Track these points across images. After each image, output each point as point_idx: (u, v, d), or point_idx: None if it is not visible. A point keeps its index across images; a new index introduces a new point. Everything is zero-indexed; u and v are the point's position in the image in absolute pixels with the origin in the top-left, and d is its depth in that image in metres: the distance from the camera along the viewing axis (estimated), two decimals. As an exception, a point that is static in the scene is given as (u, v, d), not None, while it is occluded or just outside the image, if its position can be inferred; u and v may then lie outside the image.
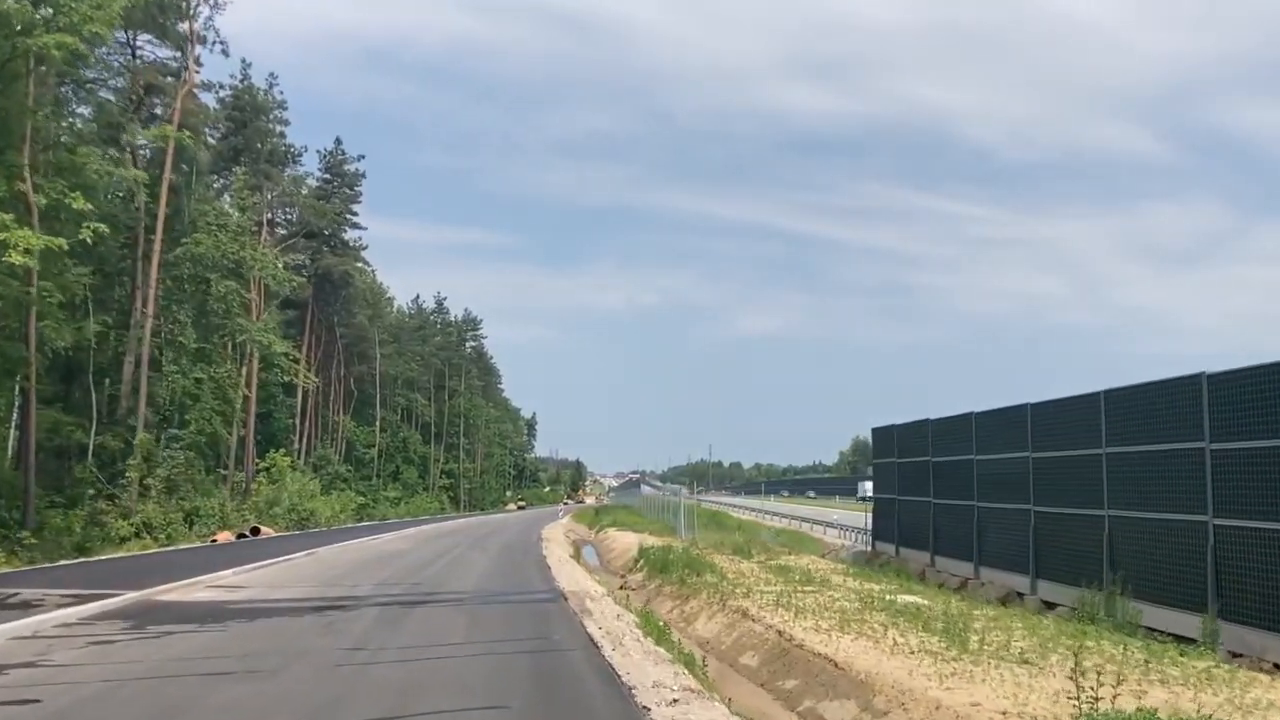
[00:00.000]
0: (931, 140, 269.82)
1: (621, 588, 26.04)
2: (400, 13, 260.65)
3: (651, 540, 35.60)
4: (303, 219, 55.34)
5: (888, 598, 17.02)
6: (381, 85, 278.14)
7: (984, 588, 24.19)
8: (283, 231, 58.37)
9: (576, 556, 32.07)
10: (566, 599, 16.90)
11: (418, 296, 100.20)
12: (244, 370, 44.93)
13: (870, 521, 40.20)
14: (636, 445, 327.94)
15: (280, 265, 43.51)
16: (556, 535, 44.90)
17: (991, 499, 25.00)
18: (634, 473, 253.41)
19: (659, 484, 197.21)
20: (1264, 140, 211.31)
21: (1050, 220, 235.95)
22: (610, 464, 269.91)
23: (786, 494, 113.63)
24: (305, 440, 61.50)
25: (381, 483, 76.14)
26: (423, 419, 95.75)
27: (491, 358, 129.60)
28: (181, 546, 30.57)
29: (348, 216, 61.26)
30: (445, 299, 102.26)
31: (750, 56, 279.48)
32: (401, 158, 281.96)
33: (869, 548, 40.04)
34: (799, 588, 19.50)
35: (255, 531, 34.14)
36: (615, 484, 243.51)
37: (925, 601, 16.74)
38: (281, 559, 24.59)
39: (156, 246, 34.34)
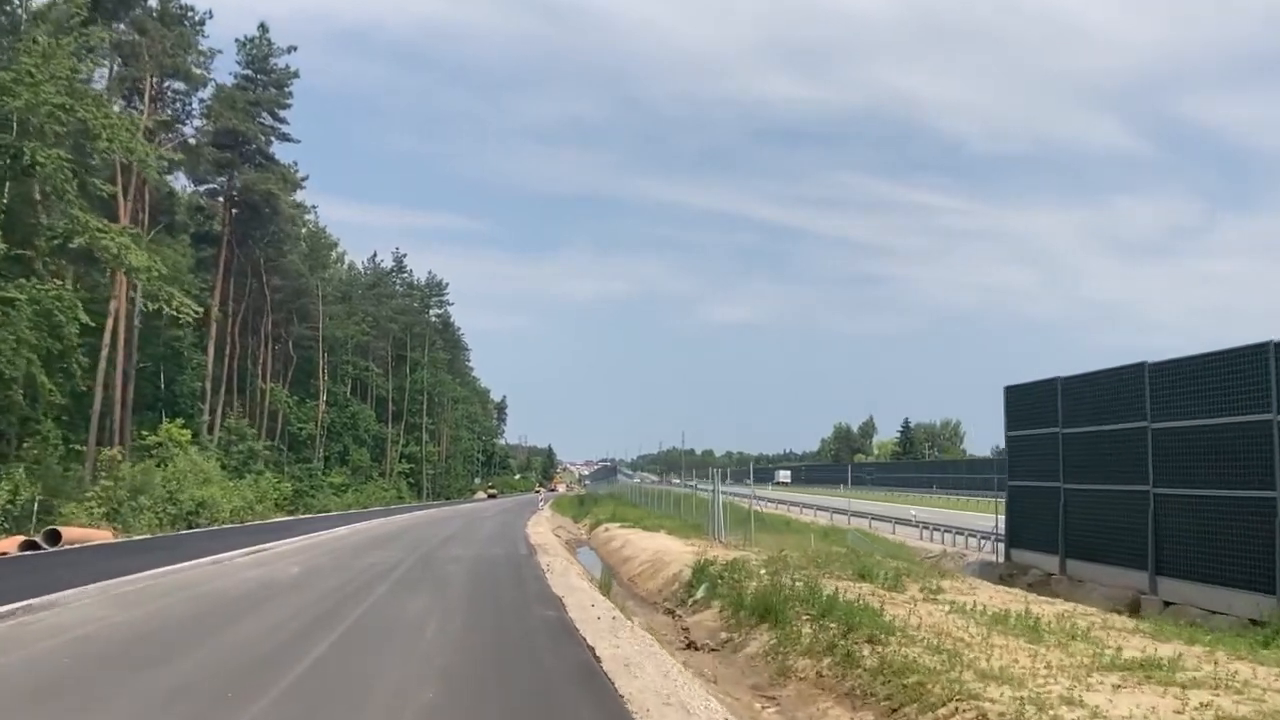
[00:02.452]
0: (903, 130, 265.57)
1: (689, 645, 14.77)
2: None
3: (680, 546, 27.30)
4: (216, 124, 42.11)
5: None
6: (351, 68, 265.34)
7: None
8: (192, 142, 45.23)
9: (607, 588, 19.35)
10: None
11: (374, 254, 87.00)
12: (113, 305, 32.01)
13: (1003, 521, 27.86)
14: (606, 433, 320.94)
15: (147, 146, 30.43)
16: (548, 539, 32.55)
17: None
18: (604, 460, 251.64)
19: (630, 472, 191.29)
20: (1232, 134, 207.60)
21: (1020, 212, 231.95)
22: (579, 452, 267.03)
23: (785, 480, 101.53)
24: (221, 411, 48.48)
25: (324, 466, 63.10)
26: (378, 393, 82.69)
27: (459, 330, 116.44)
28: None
29: (275, 125, 48.20)
30: (405, 255, 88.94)
31: (725, 43, 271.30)
32: (371, 141, 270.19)
33: (998, 557, 27.90)
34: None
35: (54, 538, 21.28)
36: (586, 471, 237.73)
37: None
38: None
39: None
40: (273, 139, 48.70)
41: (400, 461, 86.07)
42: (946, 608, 14.74)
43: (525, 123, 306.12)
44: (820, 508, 49.70)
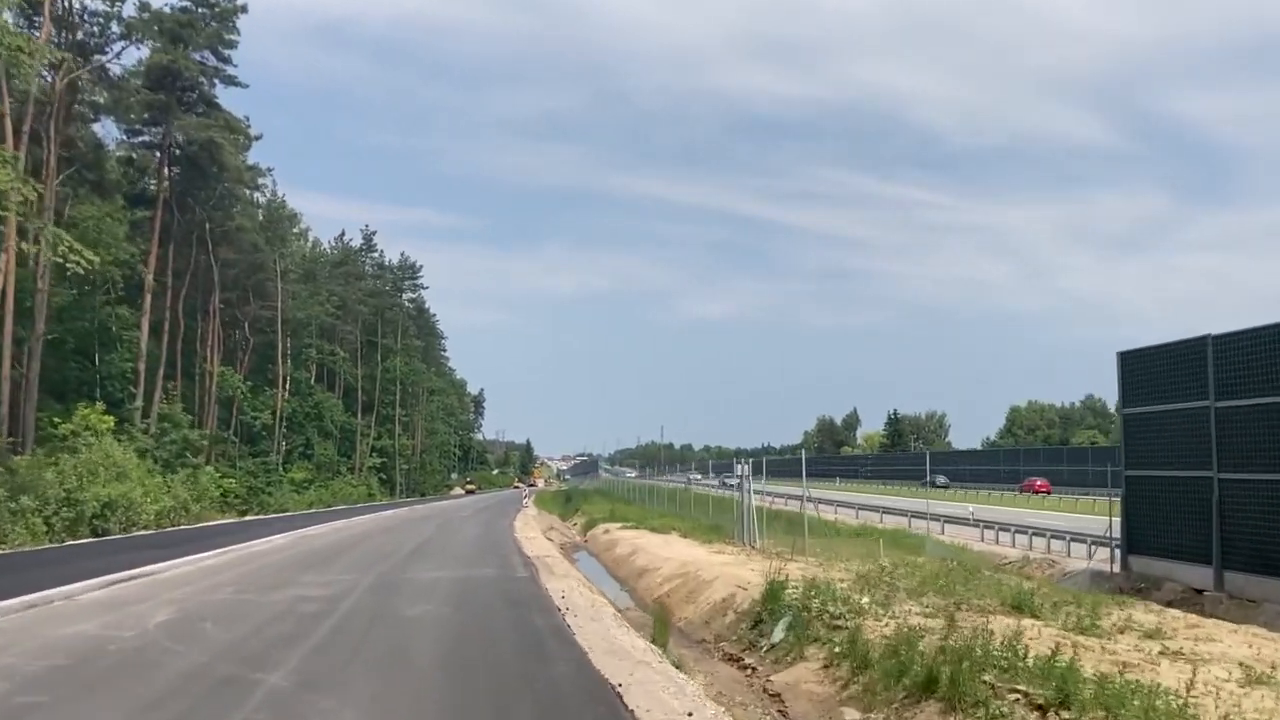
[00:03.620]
0: (882, 125, 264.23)
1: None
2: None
3: (709, 555, 22.96)
4: (137, 41, 35.56)
5: None
6: (329, 62, 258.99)
7: None
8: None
9: (662, 638, 13.07)
10: None
11: (342, 233, 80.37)
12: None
13: (1119, 523, 22.40)
14: (584, 428, 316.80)
15: (17, 36, 24.06)
16: (545, 546, 26.77)
17: None
18: (581, 455, 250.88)
19: (609, 466, 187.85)
20: (1205, 128, 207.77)
21: (997, 206, 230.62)
22: (557, 446, 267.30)
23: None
24: (160, 398, 42.04)
25: (283, 461, 56.73)
26: (347, 382, 76.29)
27: (434, 316, 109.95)
28: None
29: (219, 66, 41.68)
30: (375, 233, 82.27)
31: (705, 37, 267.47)
32: (348, 135, 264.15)
33: (1111, 565, 22.57)
34: None
35: None
36: (564, 466, 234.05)
37: None
38: None
39: None
40: (216, 81, 42.24)
41: (371, 456, 79.68)
42: (1227, 673, 9.00)
43: (504, 117, 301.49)
44: (842, 504, 43.84)
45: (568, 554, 32.24)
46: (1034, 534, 28.09)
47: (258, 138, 50.32)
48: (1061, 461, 65.64)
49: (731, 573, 18.34)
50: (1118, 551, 21.80)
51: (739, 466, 27.39)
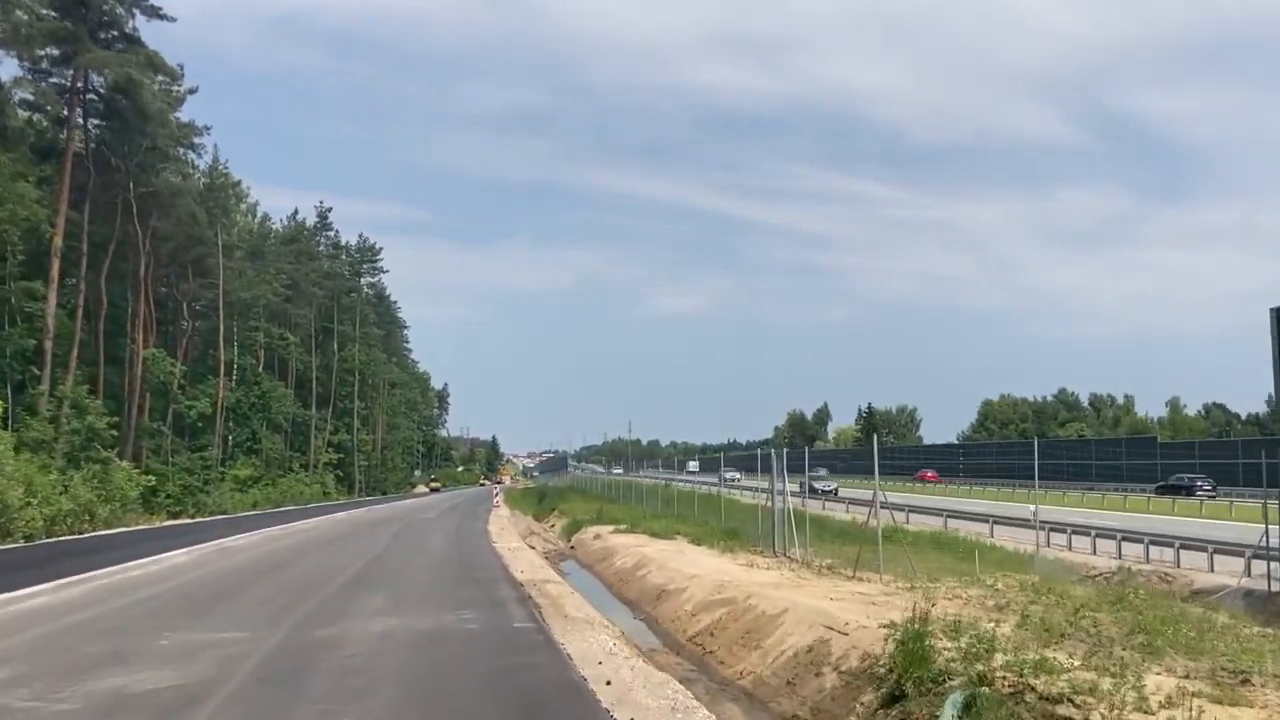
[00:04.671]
0: (847, 121, 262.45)
1: None
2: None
3: (745, 571, 18.32)
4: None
5: None
6: (289, 53, 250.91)
7: None
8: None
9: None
10: None
11: (295, 211, 73.97)
12: None
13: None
14: (550, 424, 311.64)
15: None
16: (538, 566, 21.43)
17: None
18: (548, 452, 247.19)
19: (577, 464, 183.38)
20: (1165, 127, 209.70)
21: (961, 203, 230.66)
22: (523, 443, 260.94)
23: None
24: (73, 383, 35.94)
25: (224, 456, 50.72)
26: (300, 371, 70.20)
27: (395, 303, 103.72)
28: None
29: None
30: (330, 210, 75.92)
31: (671, 32, 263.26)
32: (308, 127, 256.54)
33: (1270, 584, 17.70)
34: None
35: None
36: (530, 463, 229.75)
37: None
38: None
39: None
40: (136, 12, 36.14)
41: (327, 451, 73.61)
42: None
43: (468, 111, 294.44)
44: (856, 502, 38.59)
45: (554, 564, 26.99)
46: (1121, 539, 23.16)
47: (192, 91, 44.31)
48: (1118, 455, 62.05)
49: (802, 602, 13.16)
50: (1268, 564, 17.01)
51: (774, 460, 22.23)
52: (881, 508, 29.20)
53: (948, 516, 31.52)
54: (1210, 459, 55.27)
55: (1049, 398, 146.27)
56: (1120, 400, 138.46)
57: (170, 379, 44.11)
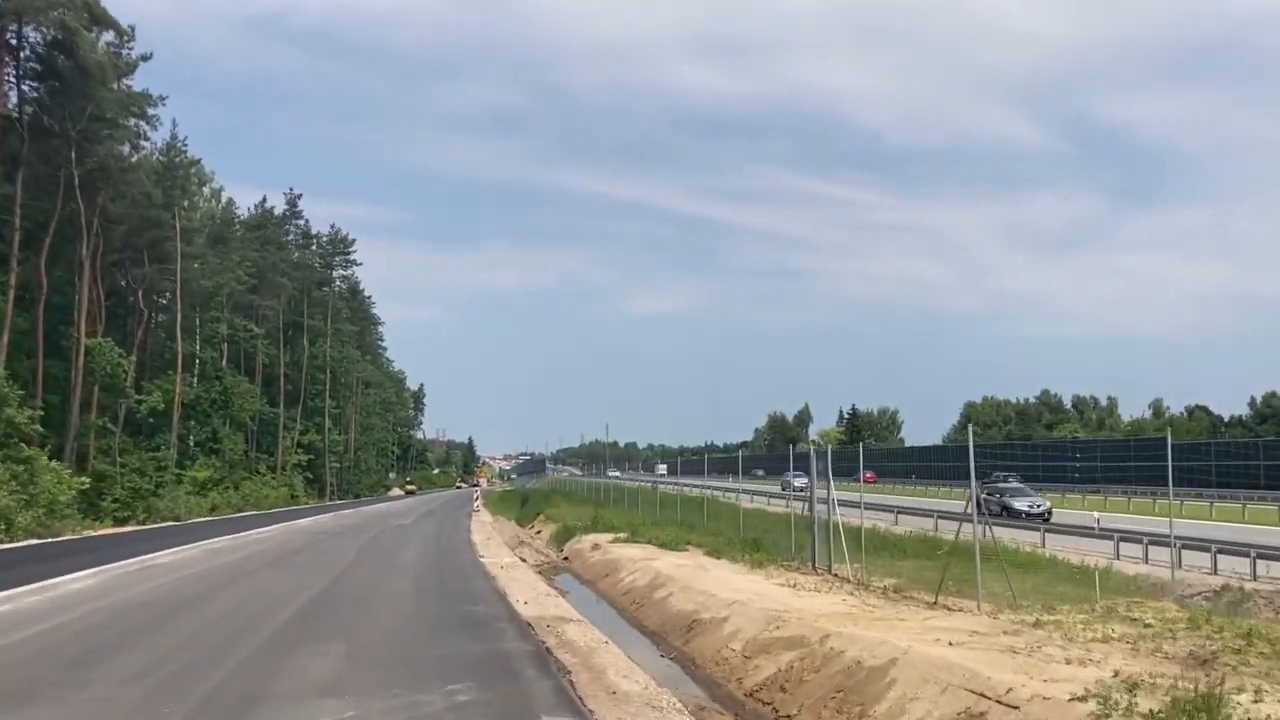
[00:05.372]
0: (824, 124, 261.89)
1: None
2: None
3: (784, 591, 15.58)
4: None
5: None
6: (263, 52, 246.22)
7: None
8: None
9: None
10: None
11: (264, 199, 69.77)
12: None
13: None
14: (526, 426, 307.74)
15: None
16: (544, 595, 17.76)
17: None
18: (524, 454, 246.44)
19: (554, 465, 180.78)
20: (1138, 132, 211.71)
21: (936, 206, 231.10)
22: (499, 445, 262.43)
23: (761, 474, 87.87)
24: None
25: (180, 456, 46.69)
26: (268, 368, 66.15)
27: (369, 298, 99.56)
28: None
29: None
30: (300, 196, 71.78)
31: (648, 33, 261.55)
32: (282, 127, 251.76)
33: None
34: None
35: None
36: (506, 466, 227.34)
37: None
38: None
39: None
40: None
41: (296, 452, 69.52)
42: None
43: (445, 111, 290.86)
44: (872, 506, 35.02)
45: (539, 569, 23.42)
46: (1220, 551, 19.90)
47: (146, 57, 40.42)
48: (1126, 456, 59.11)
49: (913, 649, 9.70)
50: None
51: (814, 460, 18.83)
52: (901, 511, 25.80)
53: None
54: (1230, 460, 52.50)
55: (1031, 399, 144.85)
56: (1104, 402, 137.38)
57: (119, 371, 40.07)
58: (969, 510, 14.41)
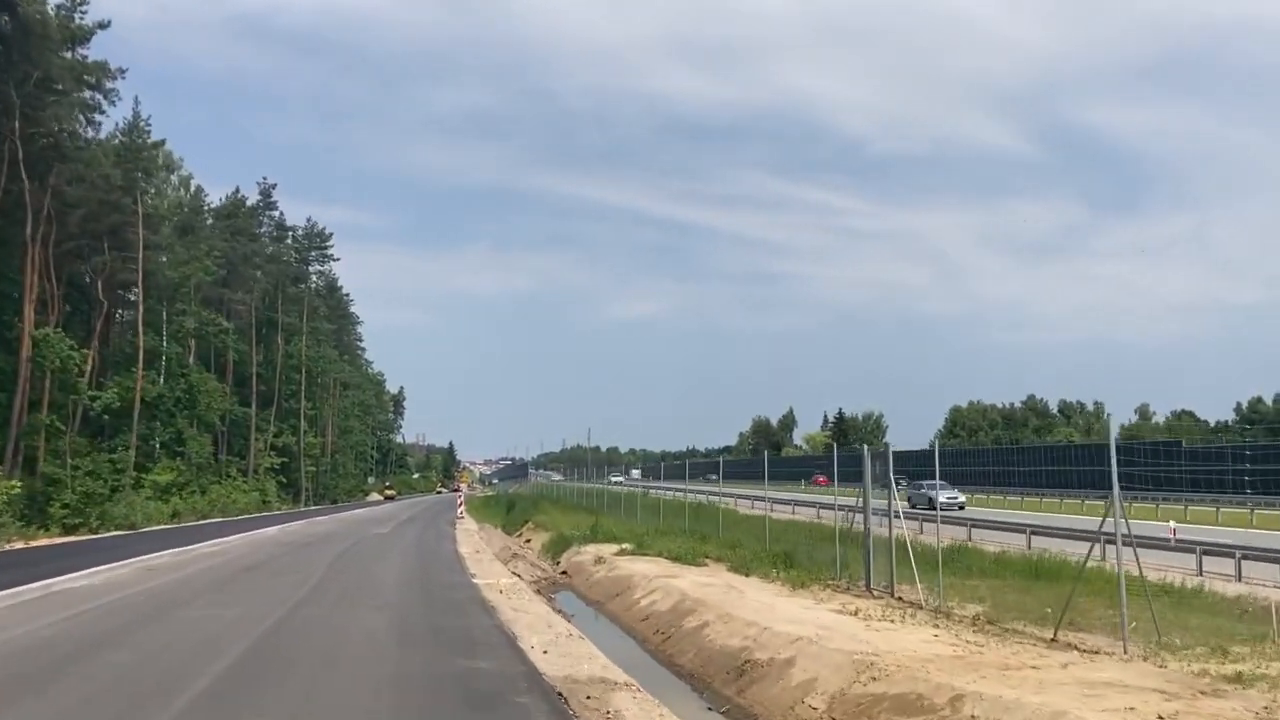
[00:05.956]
0: (805, 129, 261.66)
1: None
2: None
3: (850, 622, 13.02)
4: None
5: None
6: (244, 54, 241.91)
7: None
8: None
9: None
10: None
11: (237, 189, 66.24)
12: None
13: None
14: (506, 431, 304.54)
15: None
16: (588, 654, 14.47)
17: None
18: (505, 459, 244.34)
19: (535, 470, 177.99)
20: (1116, 139, 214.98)
21: (916, 212, 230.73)
22: (479, 450, 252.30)
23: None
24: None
25: (138, 458, 43.22)
26: (240, 366, 62.68)
27: (347, 296, 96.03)
28: None
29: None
30: (274, 185, 68.26)
31: (630, 37, 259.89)
32: (262, 129, 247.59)
33: None
34: None
35: None
36: (487, 470, 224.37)
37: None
38: None
39: None
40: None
41: (269, 455, 65.95)
42: None
43: (425, 114, 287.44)
44: (824, 506, 32.20)
45: (537, 585, 20.34)
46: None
47: (104, 25, 37.11)
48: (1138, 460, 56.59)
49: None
50: None
51: (869, 462, 15.88)
52: (971, 524, 22.84)
53: (1031, 531, 25.31)
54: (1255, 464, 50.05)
55: (1017, 404, 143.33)
56: (1090, 407, 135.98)
57: (70, 365, 36.70)
58: (1107, 525, 11.49)
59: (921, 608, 14.09)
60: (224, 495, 50.86)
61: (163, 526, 37.76)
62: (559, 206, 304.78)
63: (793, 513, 39.75)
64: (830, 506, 39.04)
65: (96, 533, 34.79)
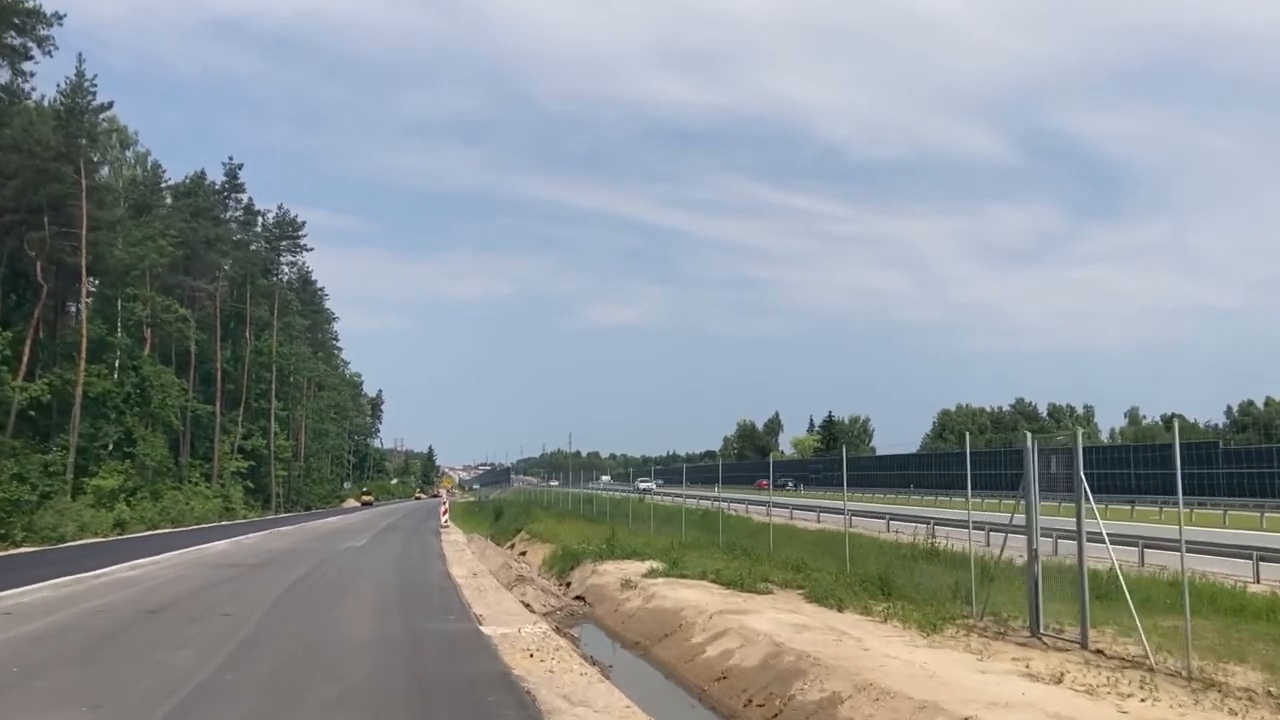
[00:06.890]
0: (787, 135, 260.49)
1: None
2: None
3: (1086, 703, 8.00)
4: None
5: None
6: (224, 56, 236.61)
7: None
8: None
9: None
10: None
11: (202, 172, 60.87)
12: None
13: None
14: (486, 436, 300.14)
15: None
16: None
17: None
18: (485, 464, 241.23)
19: (517, 475, 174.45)
20: (1096, 146, 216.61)
21: (899, 218, 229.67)
22: (458, 455, 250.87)
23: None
24: None
25: (79, 458, 38.00)
26: (204, 365, 57.46)
27: (322, 290, 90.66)
28: None
29: None
30: (241, 166, 62.78)
31: (613, 43, 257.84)
32: (242, 133, 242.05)
33: None
34: None
35: None
36: (466, 476, 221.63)
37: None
38: None
39: None
40: None
41: (235, 458, 60.66)
42: None
43: (407, 118, 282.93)
44: (944, 522, 27.28)
45: (553, 629, 15.21)
46: None
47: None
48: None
49: None
50: None
51: (1031, 462, 11.22)
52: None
53: (1145, 546, 20.71)
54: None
55: (1005, 408, 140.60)
56: (1080, 410, 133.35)
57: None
58: None
59: (1152, 669, 9.42)
60: (180, 502, 45.63)
61: (98, 539, 32.60)
62: (541, 211, 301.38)
63: (818, 520, 35.19)
64: (899, 517, 34.25)
65: (21, 546, 29.70)
